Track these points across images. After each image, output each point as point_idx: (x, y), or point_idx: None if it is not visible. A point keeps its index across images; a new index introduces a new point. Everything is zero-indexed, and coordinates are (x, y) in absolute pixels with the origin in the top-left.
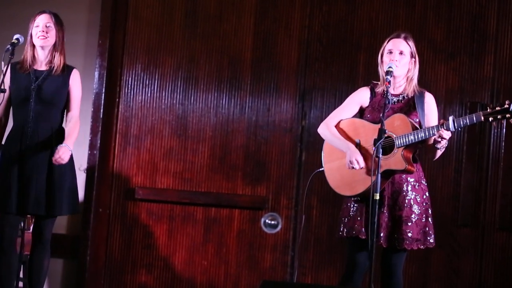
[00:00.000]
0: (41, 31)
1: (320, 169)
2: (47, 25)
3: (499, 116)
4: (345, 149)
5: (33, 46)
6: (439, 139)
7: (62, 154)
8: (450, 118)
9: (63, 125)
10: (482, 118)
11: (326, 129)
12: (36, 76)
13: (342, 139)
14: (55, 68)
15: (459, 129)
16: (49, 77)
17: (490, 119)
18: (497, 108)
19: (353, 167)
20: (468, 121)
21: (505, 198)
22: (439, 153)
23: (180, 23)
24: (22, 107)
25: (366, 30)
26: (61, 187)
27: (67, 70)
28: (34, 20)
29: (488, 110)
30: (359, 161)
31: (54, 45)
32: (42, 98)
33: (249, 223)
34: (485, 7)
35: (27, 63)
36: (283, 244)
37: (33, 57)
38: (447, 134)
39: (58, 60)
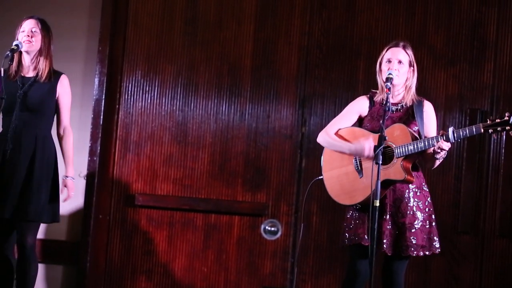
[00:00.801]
0: (26, 35)
1: (319, 177)
2: (33, 30)
3: (498, 128)
4: (348, 150)
5: (20, 52)
6: (438, 150)
7: (71, 191)
8: (450, 129)
9: (50, 132)
10: (482, 130)
11: (326, 136)
12: (23, 83)
13: (343, 142)
14: (40, 73)
15: (459, 140)
16: (35, 84)
17: (490, 131)
18: (497, 120)
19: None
20: (467, 132)
21: (505, 205)
22: (437, 162)
23: (180, 30)
24: (8, 114)
25: (366, 36)
26: (38, 193)
27: (54, 76)
28: (21, 26)
29: (488, 122)
30: (370, 144)
31: (40, 50)
32: (27, 105)
33: (249, 229)
34: (485, 14)
35: (13, 69)
36: (283, 251)
37: (19, 63)
38: (446, 145)
39: (43, 66)
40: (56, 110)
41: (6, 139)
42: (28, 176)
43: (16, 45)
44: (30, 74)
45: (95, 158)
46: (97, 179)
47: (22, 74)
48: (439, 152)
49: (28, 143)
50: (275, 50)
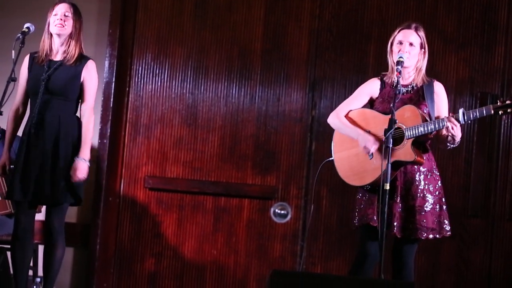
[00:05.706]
0: (59, 19)
1: (330, 159)
2: (66, 14)
3: (509, 110)
4: (356, 136)
5: (51, 35)
6: (447, 132)
7: (79, 172)
8: (460, 111)
9: (77, 114)
10: (492, 111)
11: (336, 118)
12: (49, 66)
13: (352, 127)
14: (68, 57)
15: (469, 121)
16: (61, 67)
17: (500, 112)
18: (507, 102)
19: (369, 151)
20: (478, 114)
21: None
22: (449, 145)
23: (190, 14)
24: (33, 97)
25: (376, 20)
26: (60, 176)
27: (81, 60)
28: (53, 9)
29: (498, 104)
30: (372, 145)
31: (70, 35)
32: (50, 88)
33: (259, 212)
34: None
35: (43, 53)
36: (292, 234)
37: (50, 46)
38: (456, 128)
39: (72, 50)
40: (80, 94)
41: (31, 122)
42: (51, 159)
43: (28, 27)
44: (58, 57)
45: (105, 141)
46: (107, 162)
47: (50, 58)
48: (449, 136)
49: (51, 126)
50: (285, 33)
